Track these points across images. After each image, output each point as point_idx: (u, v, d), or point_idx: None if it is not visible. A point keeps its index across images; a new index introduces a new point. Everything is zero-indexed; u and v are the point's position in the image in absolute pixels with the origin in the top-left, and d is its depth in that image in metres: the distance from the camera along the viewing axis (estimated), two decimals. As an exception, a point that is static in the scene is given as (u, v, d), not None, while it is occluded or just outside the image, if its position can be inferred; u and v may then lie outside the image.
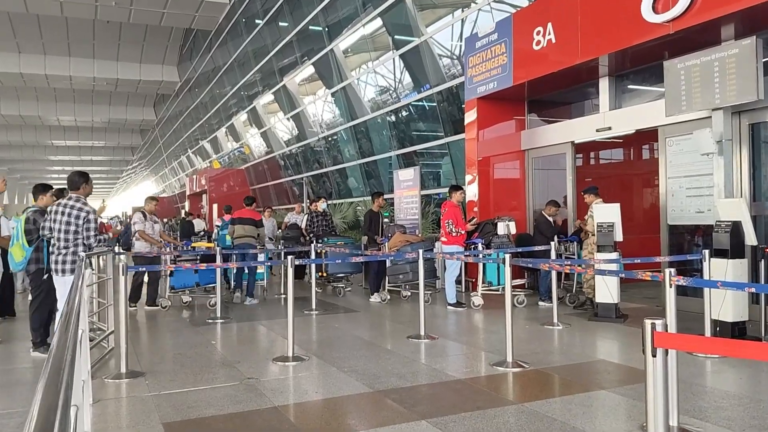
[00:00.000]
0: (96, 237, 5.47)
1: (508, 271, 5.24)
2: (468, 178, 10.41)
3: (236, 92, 29.64)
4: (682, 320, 7.00)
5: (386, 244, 8.82)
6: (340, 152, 21.04)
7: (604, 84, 8.81)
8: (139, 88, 39.25)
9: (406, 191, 11.71)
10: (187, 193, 33.75)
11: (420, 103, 16.07)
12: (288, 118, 24.51)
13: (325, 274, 10.05)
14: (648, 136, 9.48)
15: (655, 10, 6.96)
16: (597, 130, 8.73)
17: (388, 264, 8.79)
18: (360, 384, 4.55)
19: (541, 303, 8.24)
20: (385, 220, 10.65)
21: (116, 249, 10.13)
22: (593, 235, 7.58)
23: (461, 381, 4.60)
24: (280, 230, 13.55)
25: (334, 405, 4.11)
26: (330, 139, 21.49)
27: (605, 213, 7.14)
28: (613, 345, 6.05)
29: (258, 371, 5.03)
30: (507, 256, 5.08)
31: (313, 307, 8.37)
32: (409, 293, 9.09)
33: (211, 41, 30.69)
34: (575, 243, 8.40)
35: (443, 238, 8.20)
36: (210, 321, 7.72)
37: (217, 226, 12.70)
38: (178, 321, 8.04)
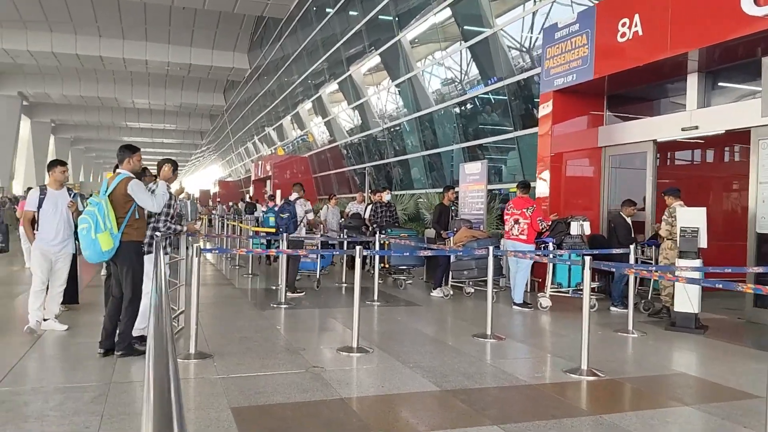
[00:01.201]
0: (165, 222, 5.53)
1: (587, 274, 5.00)
2: (539, 174, 10.07)
3: (303, 81, 29.97)
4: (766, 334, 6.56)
5: (452, 238, 8.64)
6: (403, 143, 20.92)
7: (692, 80, 8.31)
8: (210, 73, 40.29)
9: (472, 185, 11.45)
10: (252, 178, 34.43)
11: (486, 96, 15.75)
12: (352, 108, 24.57)
13: (387, 266, 9.97)
14: (735, 137, 8.93)
15: (756, 2, 6.47)
16: (682, 129, 8.26)
17: (452, 259, 8.61)
18: (426, 381, 4.43)
19: (613, 308, 7.89)
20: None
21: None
22: (669, 239, 7.18)
23: (532, 386, 4.41)
24: (342, 219, 13.57)
25: (401, 401, 4.01)
26: (393, 129, 21.40)
27: (690, 217, 6.73)
28: (692, 357, 5.69)
29: (323, 360, 4.99)
30: (587, 258, 4.83)
31: (375, 298, 8.30)
32: (473, 290, 8.90)
33: (282, 29, 31.11)
34: (653, 247, 7.98)
35: (522, 237, 7.91)
36: (274, 306, 7.78)
37: (263, 212, 13.35)
38: (244, 304, 8.15)
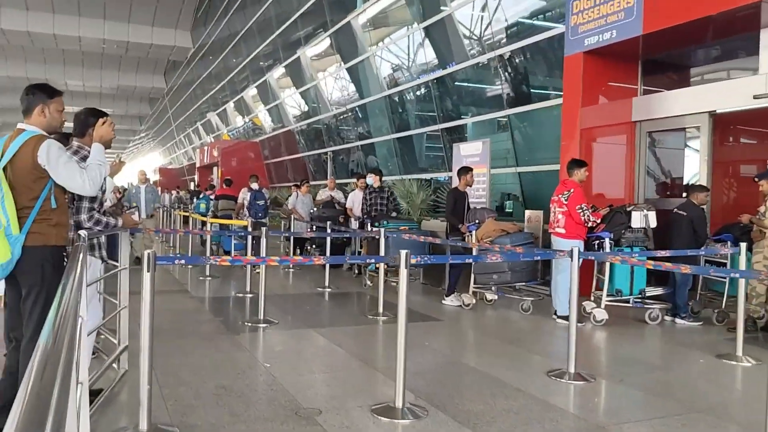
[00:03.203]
0: (91, 212, 3.39)
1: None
2: (563, 156, 8.38)
3: (252, 61, 27.48)
4: None
5: (474, 232, 6.82)
6: (369, 126, 19.02)
7: (766, 36, 6.79)
8: (150, 53, 37.22)
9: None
10: (197, 165, 31.76)
11: (466, 71, 14.06)
12: (308, 90, 22.41)
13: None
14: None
15: None
16: (755, 97, 6.70)
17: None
18: (552, 482, 2.63)
19: (678, 321, 6.28)
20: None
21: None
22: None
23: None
24: (315, 209, 11.63)
25: None
26: (355, 111, 19.48)
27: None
28: None
29: (358, 436, 3.11)
30: (750, 267, 3.12)
31: (380, 310, 6.43)
32: (496, 296, 7.11)
33: (228, 5, 28.52)
34: (728, 243, 6.42)
35: (559, 230, 6.23)
36: (249, 324, 5.83)
37: (195, 199, 12.78)
38: (209, 323, 6.14)
